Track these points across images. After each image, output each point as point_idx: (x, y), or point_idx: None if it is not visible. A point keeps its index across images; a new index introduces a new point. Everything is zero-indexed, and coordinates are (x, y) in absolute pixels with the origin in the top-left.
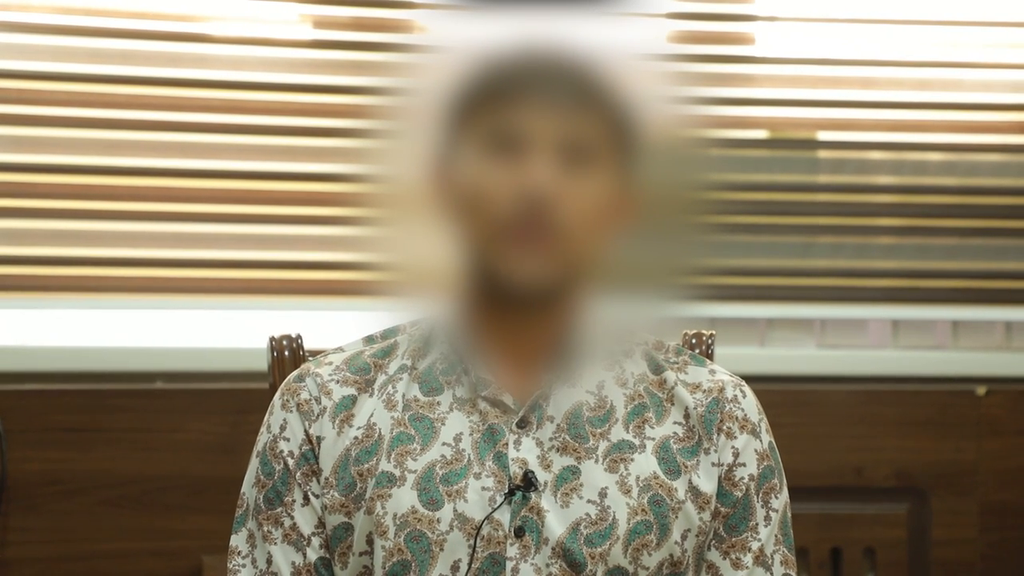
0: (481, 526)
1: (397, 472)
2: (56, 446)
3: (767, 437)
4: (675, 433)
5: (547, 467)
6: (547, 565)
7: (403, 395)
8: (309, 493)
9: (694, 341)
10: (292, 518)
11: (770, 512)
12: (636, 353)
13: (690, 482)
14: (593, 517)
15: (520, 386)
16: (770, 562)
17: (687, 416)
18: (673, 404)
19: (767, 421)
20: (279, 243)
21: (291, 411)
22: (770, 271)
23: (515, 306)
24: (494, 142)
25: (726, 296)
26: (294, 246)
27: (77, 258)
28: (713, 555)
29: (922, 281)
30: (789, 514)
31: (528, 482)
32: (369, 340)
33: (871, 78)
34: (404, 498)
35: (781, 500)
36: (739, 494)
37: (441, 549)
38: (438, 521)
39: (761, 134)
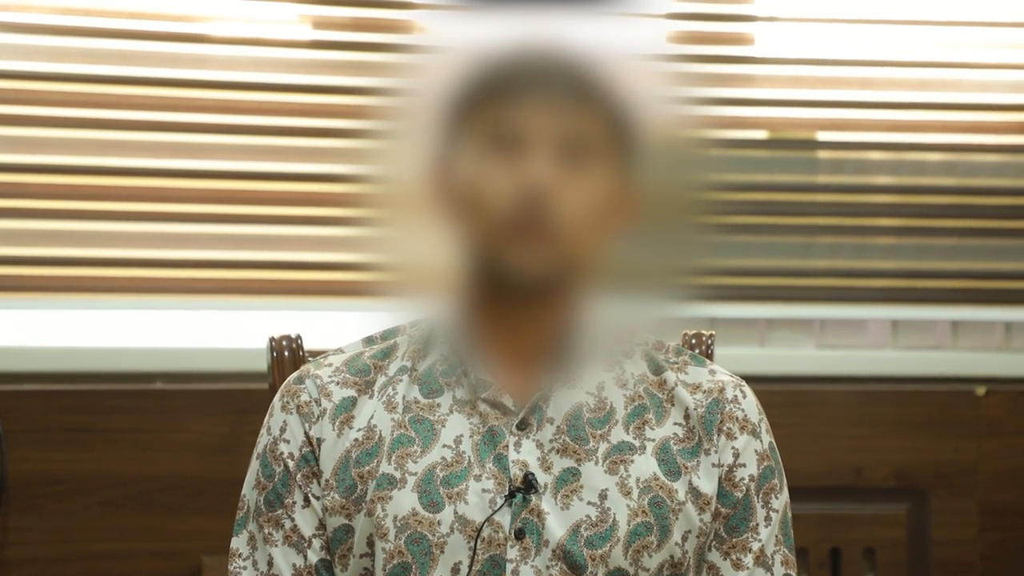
0: (481, 528)
1: (397, 474)
2: (56, 446)
3: (767, 437)
4: (675, 434)
5: (547, 469)
6: (547, 567)
7: (403, 397)
8: (310, 495)
9: (694, 341)
10: (293, 520)
11: (770, 512)
12: (636, 354)
13: (690, 483)
14: (593, 519)
15: (520, 387)
16: (771, 563)
17: (687, 417)
18: (673, 405)
19: (767, 421)
20: (279, 243)
21: (291, 413)
22: (770, 271)
23: (515, 306)
24: (493, 140)
25: (726, 296)
26: (294, 246)
27: (76, 259)
28: (714, 556)
29: (921, 281)
30: (789, 514)
31: (528, 484)
32: (369, 341)
33: (870, 78)
34: (404, 500)
35: (781, 500)
36: (739, 495)
37: (441, 551)
38: (438, 523)
39: (760, 134)
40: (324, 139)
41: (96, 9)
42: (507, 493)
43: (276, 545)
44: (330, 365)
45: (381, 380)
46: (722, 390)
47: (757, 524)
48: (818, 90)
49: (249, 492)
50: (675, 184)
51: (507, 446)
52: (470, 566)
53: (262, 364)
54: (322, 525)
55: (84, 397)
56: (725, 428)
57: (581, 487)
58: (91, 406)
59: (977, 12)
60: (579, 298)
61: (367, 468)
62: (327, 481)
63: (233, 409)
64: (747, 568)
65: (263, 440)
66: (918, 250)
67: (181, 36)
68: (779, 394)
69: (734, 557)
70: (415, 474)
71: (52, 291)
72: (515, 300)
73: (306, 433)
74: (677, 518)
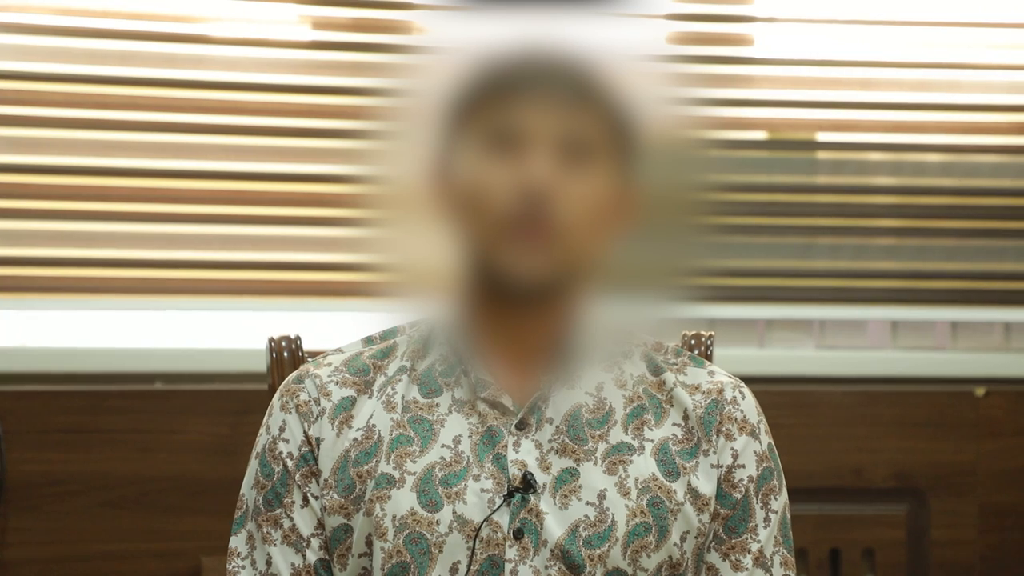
0: (480, 528)
1: (396, 474)
2: (55, 447)
3: (766, 438)
4: (674, 435)
5: (546, 469)
6: (546, 567)
7: (402, 397)
8: (308, 494)
9: (693, 342)
10: (291, 519)
11: (769, 513)
12: (635, 354)
13: (689, 484)
14: (592, 519)
15: (519, 387)
16: (769, 563)
17: (686, 417)
18: (672, 405)
19: (766, 422)
20: (278, 244)
21: (290, 412)
22: (769, 272)
23: (514, 306)
24: (493, 140)
25: (725, 297)
26: (293, 247)
27: (76, 259)
28: (713, 557)
29: (921, 282)
30: (788, 515)
31: (527, 484)
32: (368, 341)
33: (870, 79)
34: (403, 500)
35: (780, 501)
36: (738, 495)
37: (440, 551)
38: (437, 523)
39: (760, 135)
40: (324, 140)
41: (96, 10)
42: (506, 493)
43: (275, 544)
44: (329, 365)
45: (380, 380)
46: (721, 391)
47: (756, 525)
48: (818, 91)
49: (248, 491)
50: (675, 185)
51: (506, 446)
52: (469, 566)
53: (261, 365)
54: (321, 525)
55: (84, 398)
56: (724, 429)
57: (580, 487)
58: (91, 407)
59: (977, 13)
60: (579, 299)
61: (366, 468)
62: (326, 481)
63: (232, 410)
64: (746, 569)
65: (262, 439)
66: (918, 251)
67: (181, 37)
68: (778, 395)
69: (733, 558)
70: (414, 474)
71: (52, 292)
72: (514, 300)
73: (305, 433)
74: (676, 519)
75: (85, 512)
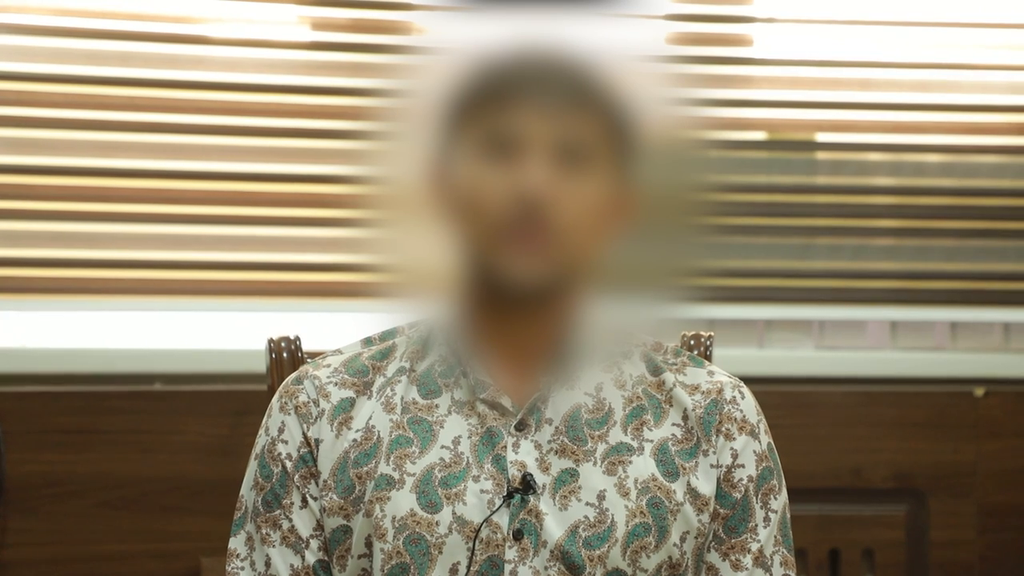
0: (480, 529)
1: (396, 475)
2: (55, 448)
3: (766, 438)
4: (673, 435)
5: (545, 470)
6: (546, 568)
7: (401, 398)
8: (307, 495)
9: (692, 342)
10: (290, 520)
11: (769, 513)
12: (635, 355)
13: (689, 484)
14: (591, 519)
15: (518, 388)
16: (769, 563)
17: (685, 418)
18: (672, 406)
19: (766, 422)
20: (278, 245)
21: (289, 413)
22: (769, 272)
23: (513, 307)
24: (490, 144)
25: (725, 297)
26: (293, 248)
27: (76, 260)
28: (712, 557)
29: (921, 282)
30: (788, 515)
31: (527, 485)
32: (367, 342)
33: (869, 80)
34: (403, 501)
35: (780, 501)
36: (738, 495)
37: (440, 552)
38: (437, 524)
39: (759, 136)
40: (323, 140)
41: (96, 11)
42: (505, 494)
43: (274, 546)
44: (328, 366)
45: (379, 381)
46: (720, 391)
47: (756, 525)
48: (817, 91)
49: (247, 492)
50: (674, 186)
51: (505, 447)
52: (468, 567)
53: (261, 365)
54: (320, 526)
55: (83, 398)
56: (723, 429)
57: (579, 488)
58: (90, 407)
59: (976, 13)
60: (578, 299)
61: (365, 469)
62: (325, 482)
63: (232, 410)
64: (746, 569)
65: (261, 440)
66: (917, 251)
67: (180, 38)
68: (778, 395)
69: (733, 558)
70: (413, 475)
71: (51, 292)
72: (513, 302)
73: (304, 434)
74: (675, 519)
75: (85, 513)
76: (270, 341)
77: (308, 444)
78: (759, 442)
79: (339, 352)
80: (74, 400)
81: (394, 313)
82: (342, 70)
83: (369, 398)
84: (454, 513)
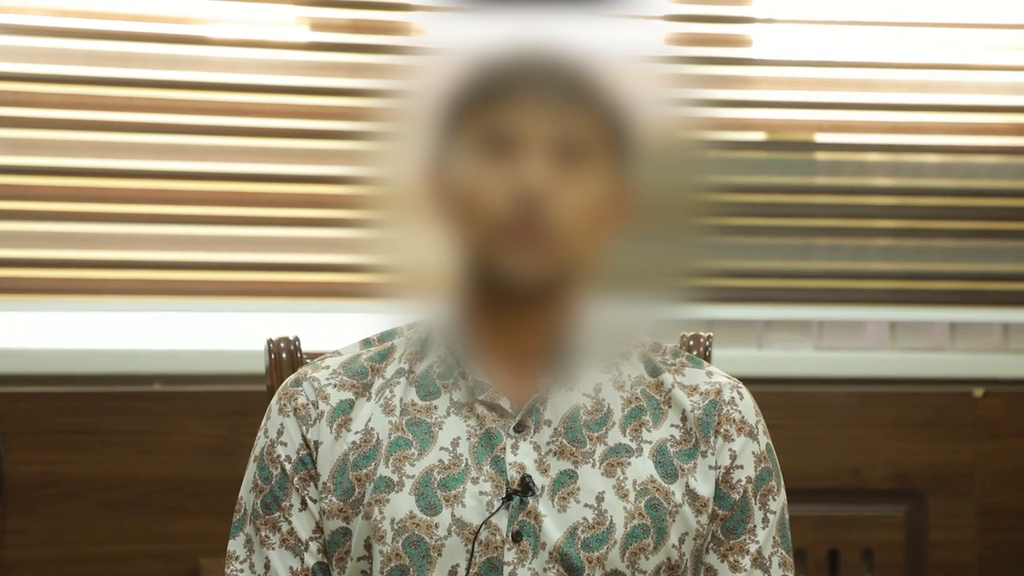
0: (479, 531)
1: (395, 477)
2: (54, 448)
3: (764, 439)
4: (672, 436)
5: (544, 471)
6: (544, 570)
7: (400, 399)
8: (307, 498)
9: (692, 343)
10: (290, 523)
11: (768, 514)
12: (633, 355)
13: (687, 485)
14: (590, 521)
15: (517, 389)
16: (768, 564)
17: (684, 419)
18: (670, 406)
19: (764, 423)
20: (277, 245)
21: (288, 416)
22: (768, 273)
23: (511, 307)
24: (488, 143)
25: (724, 298)
26: (292, 248)
27: (75, 260)
28: (711, 558)
29: (920, 283)
30: (787, 516)
31: (525, 486)
32: (366, 343)
33: (869, 80)
34: (402, 503)
35: (779, 502)
36: (736, 496)
37: (439, 554)
38: (436, 526)
39: (759, 136)
40: (322, 141)
41: (95, 11)
42: (504, 496)
43: (273, 548)
44: (327, 367)
45: (378, 383)
46: (719, 392)
47: (754, 526)
48: (816, 92)
49: (246, 495)
50: (672, 186)
51: (504, 448)
52: (468, 569)
53: (260, 366)
54: (319, 528)
55: (82, 399)
56: (722, 430)
57: (578, 489)
58: (89, 408)
59: (976, 14)
60: (576, 300)
61: (364, 471)
62: (324, 484)
63: (231, 411)
64: (745, 570)
65: (260, 443)
66: (916, 252)
67: (180, 38)
68: (777, 396)
69: (731, 559)
70: (412, 477)
71: (50, 293)
72: (512, 303)
73: (303, 436)
74: (674, 520)
75: (84, 513)
76: (269, 342)
77: (307, 446)
78: (758, 443)
79: (338, 354)
80: (74, 400)
81: (393, 313)
82: (341, 71)
83: (368, 400)
84: (453, 515)
